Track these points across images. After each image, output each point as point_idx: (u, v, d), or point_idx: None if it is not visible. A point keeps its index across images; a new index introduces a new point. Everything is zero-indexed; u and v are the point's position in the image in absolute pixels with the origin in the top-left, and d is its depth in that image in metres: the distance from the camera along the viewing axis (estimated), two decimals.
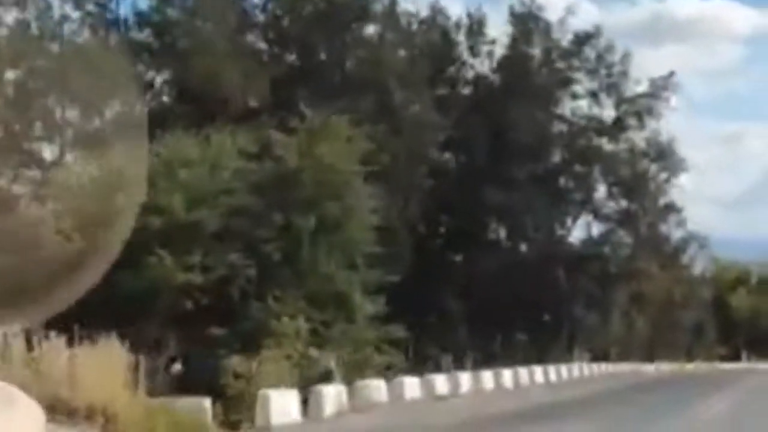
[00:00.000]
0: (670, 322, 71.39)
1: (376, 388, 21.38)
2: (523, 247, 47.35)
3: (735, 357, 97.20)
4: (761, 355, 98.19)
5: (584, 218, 59.58)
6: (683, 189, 76.20)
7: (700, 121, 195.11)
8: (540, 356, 45.18)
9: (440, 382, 25.08)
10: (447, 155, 45.22)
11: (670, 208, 79.99)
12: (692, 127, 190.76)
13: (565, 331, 48.46)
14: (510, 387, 30.15)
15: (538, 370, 34.77)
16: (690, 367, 65.69)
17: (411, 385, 22.94)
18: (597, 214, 60.12)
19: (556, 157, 52.03)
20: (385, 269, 26.13)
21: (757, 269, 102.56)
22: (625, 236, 62.63)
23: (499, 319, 44.93)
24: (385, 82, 34.31)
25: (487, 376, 29.03)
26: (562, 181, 53.36)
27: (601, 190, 60.20)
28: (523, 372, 32.94)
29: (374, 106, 34.14)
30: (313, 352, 20.76)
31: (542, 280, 47.41)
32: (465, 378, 27.47)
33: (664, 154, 65.76)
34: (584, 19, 66.85)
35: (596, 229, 60.50)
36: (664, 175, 78.11)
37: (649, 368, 54.29)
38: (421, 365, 41.56)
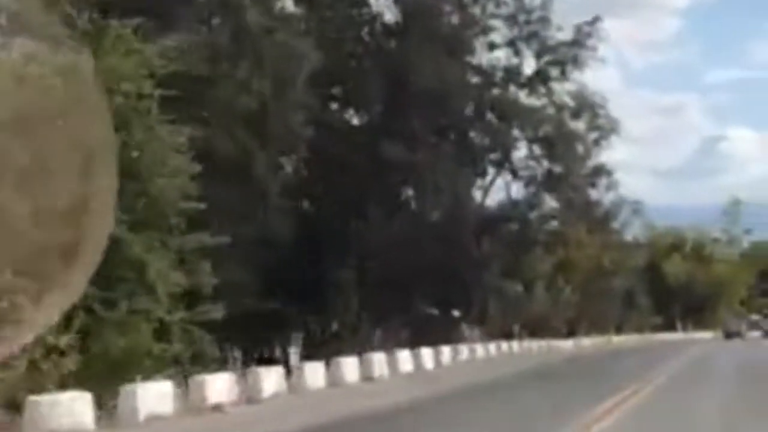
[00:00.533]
0: (600, 291, 66.66)
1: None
2: (432, 212, 41.40)
3: (670, 327, 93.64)
4: (697, 324, 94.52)
5: (503, 179, 54.22)
6: (615, 150, 72.26)
7: (639, 92, 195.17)
8: (447, 333, 39.92)
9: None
10: (335, 105, 39.60)
11: (600, 170, 75.83)
12: (631, 98, 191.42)
13: (476, 303, 43.17)
14: (355, 380, 22.93)
15: (406, 355, 27.67)
16: (618, 339, 61.04)
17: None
18: (517, 175, 54.80)
19: (468, 110, 46.31)
20: (213, 231, 20.24)
21: (693, 235, 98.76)
22: (549, 199, 57.74)
23: (400, 292, 39.54)
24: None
25: (335, 366, 22.36)
26: (475, 137, 47.76)
27: (522, 149, 54.91)
28: (399, 356, 26.72)
29: (230, 37, 28.22)
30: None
31: (452, 247, 41.91)
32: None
33: (590, 110, 60.81)
34: None
35: (518, 191, 55.33)
36: (593, 135, 73.93)
37: (567, 344, 49.00)
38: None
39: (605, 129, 73.08)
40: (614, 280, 68.49)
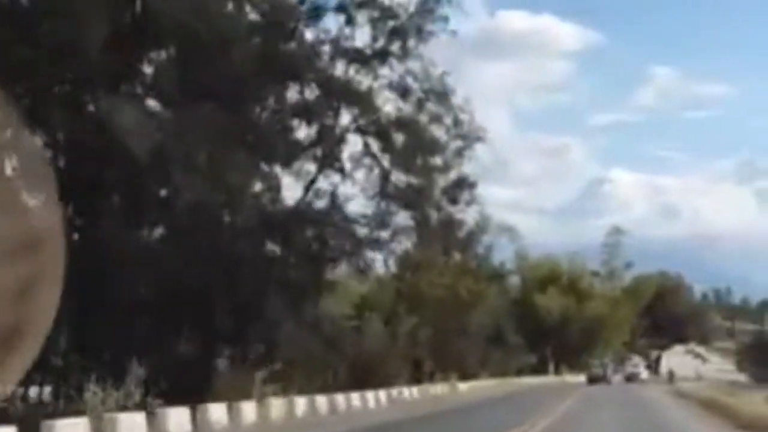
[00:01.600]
0: (458, 326, 55.17)
1: None
2: (183, 204, 28.26)
3: (543, 368, 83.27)
4: (571, 366, 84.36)
5: (329, 179, 42.01)
6: (479, 162, 61.34)
7: (528, 134, 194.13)
8: (209, 383, 27.47)
9: None
10: None
11: (462, 183, 64.82)
12: (521, 140, 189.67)
13: (255, 342, 30.72)
14: None
15: None
16: (468, 387, 49.36)
17: None
18: (345, 175, 42.94)
19: (250, 67, 33.59)
20: None
21: (570, 266, 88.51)
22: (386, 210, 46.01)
23: (135, 326, 27.00)
24: None
25: None
26: (269, 115, 35.55)
27: (356, 144, 43.05)
28: None
29: None
30: None
31: (219, 266, 29.32)
32: None
33: (445, 102, 49.46)
34: None
35: (361, 202, 43.52)
36: (457, 144, 62.99)
37: (367, 402, 35.29)
38: None
39: (469, 137, 63.01)
40: (474, 313, 57.10)
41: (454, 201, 64.31)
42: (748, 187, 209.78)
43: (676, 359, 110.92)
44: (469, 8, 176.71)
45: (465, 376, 52.55)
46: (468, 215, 63.33)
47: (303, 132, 40.66)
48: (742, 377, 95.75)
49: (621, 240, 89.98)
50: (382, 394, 38.05)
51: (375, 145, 43.69)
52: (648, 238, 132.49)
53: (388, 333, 46.31)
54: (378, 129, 43.22)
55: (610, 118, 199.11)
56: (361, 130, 42.60)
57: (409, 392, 39.87)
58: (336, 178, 41.85)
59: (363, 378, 41.70)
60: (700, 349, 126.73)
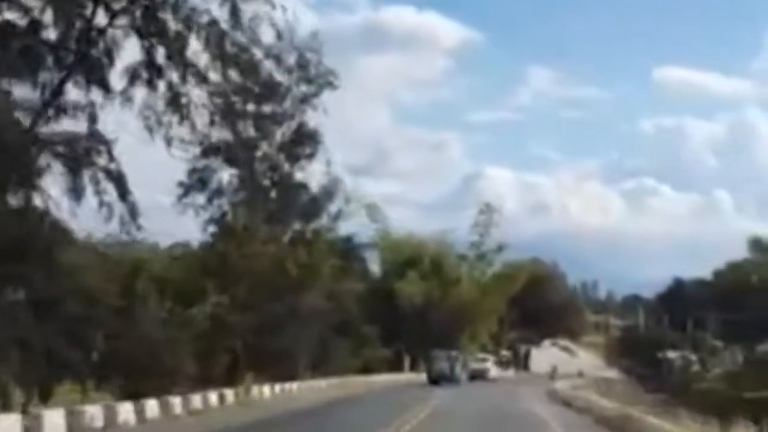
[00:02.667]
0: (287, 310, 43.52)
1: None
2: None
3: (398, 363, 72.46)
4: None
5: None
6: (326, 113, 49.96)
7: (409, 129, 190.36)
8: None
9: None
10: None
11: (305, 136, 53.02)
12: (402, 135, 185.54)
13: None
14: None
15: None
16: (277, 392, 37.39)
17: None
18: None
19: None
20: None
21: (435, 247, 77.72)
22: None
23: None
24: None
25: None
26: None
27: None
28: None
29: None
30: None
31: None
32: None
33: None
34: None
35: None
36: (302, 89, 51.78)
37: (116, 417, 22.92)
38: None
39: (317, 81, 51.46)
40: (308, 296, 45.57)
41: (294, 158, 52.93)
42: (615, 187, 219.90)
43: (545, 354, 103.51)
44: (354, 1, 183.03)
45: (286, 376, 40.96)
46: (312, 177, 52.19)
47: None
48: (612, 373, 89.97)
49: (493, 219, 79.62)
50: (153, 404, 26.07)
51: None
52: (518, 233, 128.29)
53: (179, 319, 34.33)
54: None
55: (488, 116, 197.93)
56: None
57: (186, 402, 27.82)
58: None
59: (130, 382, 29.86)
60: (568, 344, 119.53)
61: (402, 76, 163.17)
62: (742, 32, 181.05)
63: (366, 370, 60.44)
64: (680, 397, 49.36)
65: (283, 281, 42.78)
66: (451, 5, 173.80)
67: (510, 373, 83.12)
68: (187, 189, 47.03)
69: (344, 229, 60.23)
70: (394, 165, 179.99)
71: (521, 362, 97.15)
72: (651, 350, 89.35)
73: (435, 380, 54.98)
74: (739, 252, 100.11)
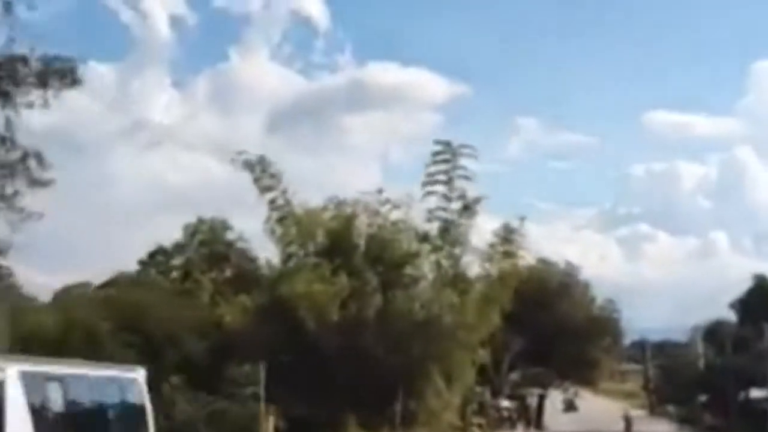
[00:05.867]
0: None
1: None
2: None
3: None
4: None
5: None
6: None
7: (399, 186, 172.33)
8: None
9: None
10: None
11: None
12: (392, 192, 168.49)
13: None
14: None
15: None
16: None
17: None
18: None
19: None
20: None
21: None
22: None
23: None
24: None
25: None
26: None
27: None
28: None
29: None
30: None
31: None
32: None
33: None
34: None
35: None
36: None
37: None
38: None
39: None
40: None
41: None
42: (610, 235, 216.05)
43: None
44: (339, 59, 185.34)
45: None
46: None
47: None
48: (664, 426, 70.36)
49: None
50: None
51: None
52: None
53: None
54: None
55: (478, 168, 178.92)
56: None
57: None
58: None
59: None
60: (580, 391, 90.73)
61: (392, 133, 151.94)
62: (728, 72, 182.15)
63: None
64: None
65: None
66: (436, 59, 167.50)
67: None
68: None
69: None
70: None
71: (532, 417, 64.56)
72: (722, 390, 61.01)
73: None
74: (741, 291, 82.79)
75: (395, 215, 42.91)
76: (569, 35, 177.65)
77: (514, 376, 63.85)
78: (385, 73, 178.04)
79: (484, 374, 51.64)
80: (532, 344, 58.38)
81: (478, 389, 53.09)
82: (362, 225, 42.84)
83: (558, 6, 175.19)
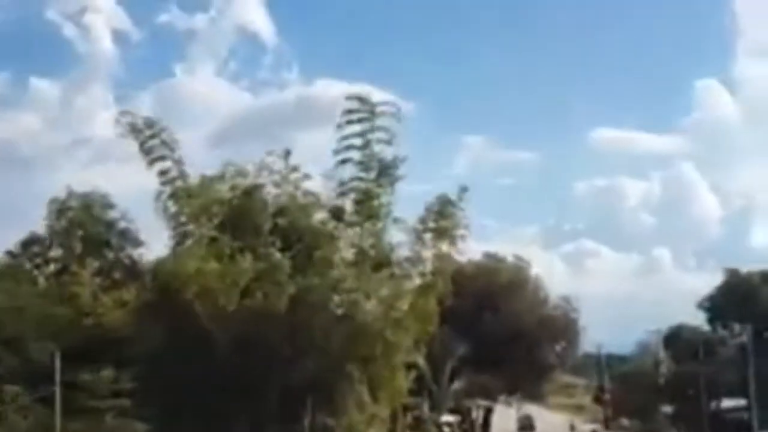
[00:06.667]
0: None
1: None
2: None
3: None
4: None
5: None
6: None
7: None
8: None
9: None
10: None
11: None
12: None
13: None
14: None
15: None
16: None
17: None
18: None
19: None
20: None
21: None
22: None
23: None
24: None
25: None
26: None
27: None
28: None
29: None
30: None
31: None
32: None
33: None
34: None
35: None
36: None
37: None
38: None
39: None
40: None
41: None
42: (555, 252, 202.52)
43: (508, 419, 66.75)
44: (286, 76, 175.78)
45: None
46: None
47: None
48: None
49: None
50: None
51: None
52: None
53: None
54: None
55: (424, 188, 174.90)
56: None
57: None
58: None
59: None
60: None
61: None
62: (672, 90, 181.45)
63: None
64: None
65: None
66: (382, 78, 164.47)
67: None
68: None
69: None
70: None
71: None
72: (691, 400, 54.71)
73: None
74: (684, 308, 79.66)
75: (307, 186, 35.10)
76: (515, 54, 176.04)
77: (457, 385, 56.22)
78: (332, 90, 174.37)
79: (420, 383, 43.96)
80: (477, 348, 51.14)
81: (413, 401, 45.33)
82: (268, 196, 34.94)
83: (503, 26, 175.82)
